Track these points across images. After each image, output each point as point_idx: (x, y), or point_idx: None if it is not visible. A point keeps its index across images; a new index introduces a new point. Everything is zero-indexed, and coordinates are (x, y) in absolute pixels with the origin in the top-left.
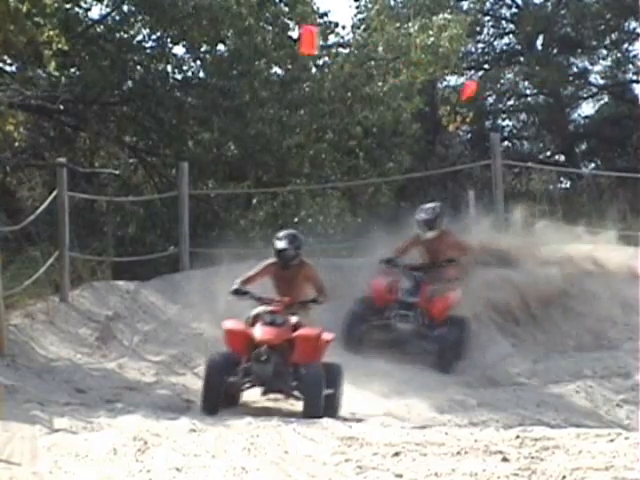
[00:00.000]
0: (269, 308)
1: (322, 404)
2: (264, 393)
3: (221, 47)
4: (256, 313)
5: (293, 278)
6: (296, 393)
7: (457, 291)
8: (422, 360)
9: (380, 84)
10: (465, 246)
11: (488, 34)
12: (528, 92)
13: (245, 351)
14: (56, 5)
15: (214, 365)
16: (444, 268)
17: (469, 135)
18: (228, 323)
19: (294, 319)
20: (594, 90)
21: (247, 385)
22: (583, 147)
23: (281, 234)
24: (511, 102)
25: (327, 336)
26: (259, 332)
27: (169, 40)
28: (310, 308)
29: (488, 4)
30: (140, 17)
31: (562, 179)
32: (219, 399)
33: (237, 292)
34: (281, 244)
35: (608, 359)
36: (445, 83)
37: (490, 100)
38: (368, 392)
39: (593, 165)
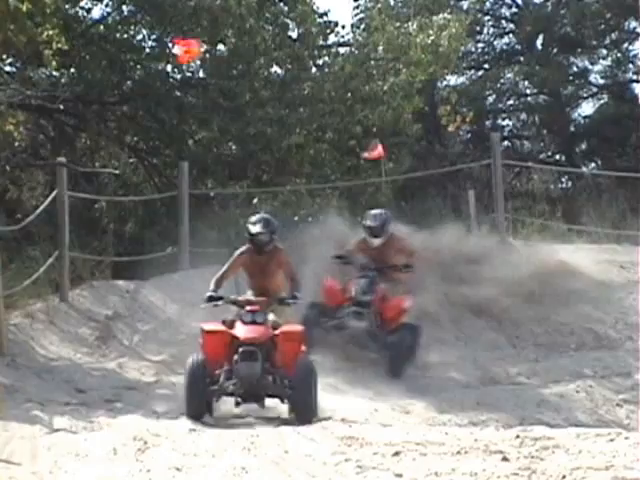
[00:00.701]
0: (248, 308)
1: (315, 406)
2: (239, 403)
3: (221, 47)
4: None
5: (267, 265)
6: (279, 395)
7: (410, 297)
8: (373, 364)
9: (380, 83)
10: (412, 250)
11: (488, 34)
12: (528, 92)
13: (226, 354)
14: (56, 5)
15: (195, 371)
16: (396, 271)
17: (469, 135)
18: (207, 325)
19: (271, 318)
20: (594, 90)
21: (230, 388)
22: (583, 147)
23: (254, 218)
24: (511, 102)
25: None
26: (242, 331)
27: (169, 40)
28: (289, 305)
29: (488, 4)
30: (140, 17)
31: (562, 179)
32: (203, 406)
33: (211, 299)
34: (255, 228)
35: (608, 359)
36: (445, 83)
37: (490, 100)
38: (370, 392)
39: (593, 165)
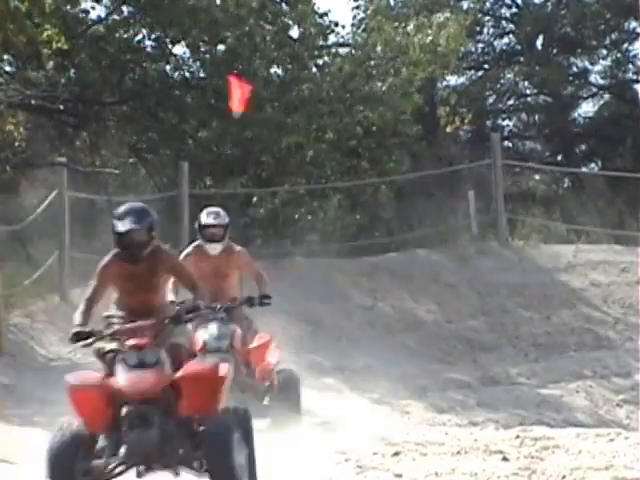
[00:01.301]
0: (130, 342)
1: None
2: (141, 474)
3: (221, 47)
4: (109, 352)
5: (147, 275)
6: (195, 464)
7: (270, 336)
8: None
9: (379, 84)
10: (260, 273)
11: (488, 34)
12: (528, 92)
13: (107, 415)
14: (56, 5)
15: (60, 448)
16: (241, 305)
17: (469, 135)
18: (74, 377)
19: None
20: (594, 90)
21: (119, 468)
22: (583, 147)
23: (122, 210)
24: (511, 102)
25: (223, 368)
26: (126, 382)
27: (168, 40)
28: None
29: (488, 4)
30: (139, 17)
31: (562, 179)
32: None
33: (78, 338)
34: (124, 225)
35: (608, 359)
36: (445, 83)
37: (490, 100)
38: (370, 393)
39: (593, 165)
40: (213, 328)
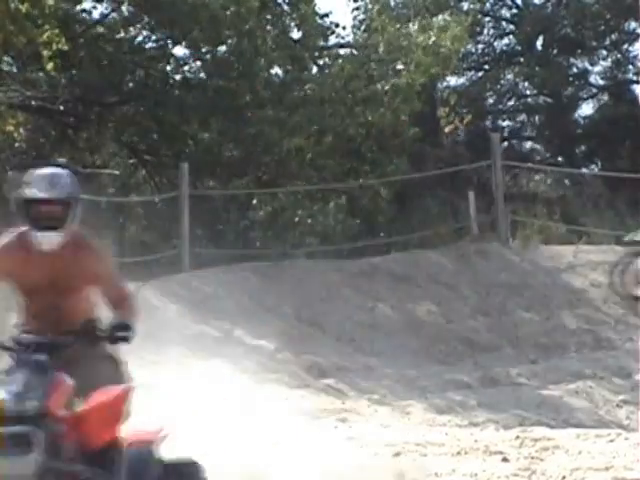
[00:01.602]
0: None
1: None
2: None
3: (222, 47)
4: None
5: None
6: None
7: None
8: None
9: (380, 86)
10: (126, 289)
11: (488, 35)
12: (528, 93)
13: None
14: (56, 5)
15: None
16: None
17: (469, 136)
18: None
19: None
20: (594, 91)
21: None
22: (583, 148)
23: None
24: (511, 103)
25: None
26: None
27: (169, 40)
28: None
29: (488, 5)
30: (140, 18)
31: (562, 180)
32: None
33: None
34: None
35: (608, 360)
36: (445, 84)
37: (490, 101)
38: (370, 393)
39: (593, 166)
40: (15, 380)
